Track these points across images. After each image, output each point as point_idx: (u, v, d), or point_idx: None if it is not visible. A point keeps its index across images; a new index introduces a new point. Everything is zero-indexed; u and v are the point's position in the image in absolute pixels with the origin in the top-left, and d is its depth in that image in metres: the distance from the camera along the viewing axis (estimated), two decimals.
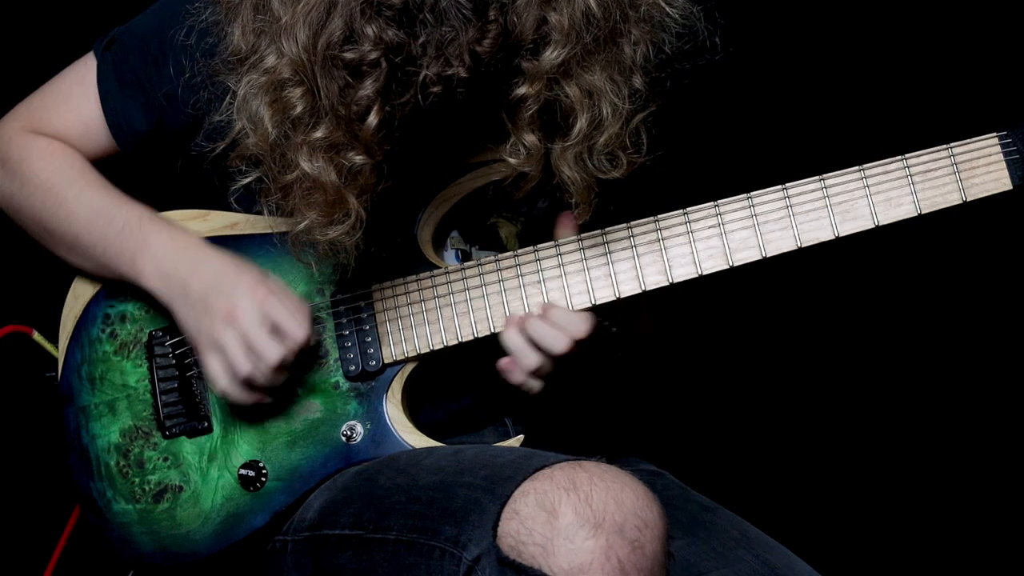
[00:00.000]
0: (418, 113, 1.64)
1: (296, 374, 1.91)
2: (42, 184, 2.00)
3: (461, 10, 1.57)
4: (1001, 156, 1.77)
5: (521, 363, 1.82)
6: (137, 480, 1.98)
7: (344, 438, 1.93)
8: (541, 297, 1.87)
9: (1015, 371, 2.96)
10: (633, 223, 1.86)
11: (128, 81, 1.98)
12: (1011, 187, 1.77)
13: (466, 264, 1.92)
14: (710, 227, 1.84)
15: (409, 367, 1.94)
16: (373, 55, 1.58)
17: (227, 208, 1.94)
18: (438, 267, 1.94)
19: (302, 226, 1.74)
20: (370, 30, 1.58)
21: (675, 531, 1.70)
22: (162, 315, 2.02)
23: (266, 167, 1.73)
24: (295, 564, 1.88)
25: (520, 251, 1.90)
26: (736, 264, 1.83)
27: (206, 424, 1.97)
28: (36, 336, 2.10)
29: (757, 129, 2.89)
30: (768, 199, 1.82)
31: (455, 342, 1.90)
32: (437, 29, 1.58)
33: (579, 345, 1.81)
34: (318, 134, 1.66)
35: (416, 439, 1.91)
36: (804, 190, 1.82)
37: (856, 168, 1.81)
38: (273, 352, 1.83)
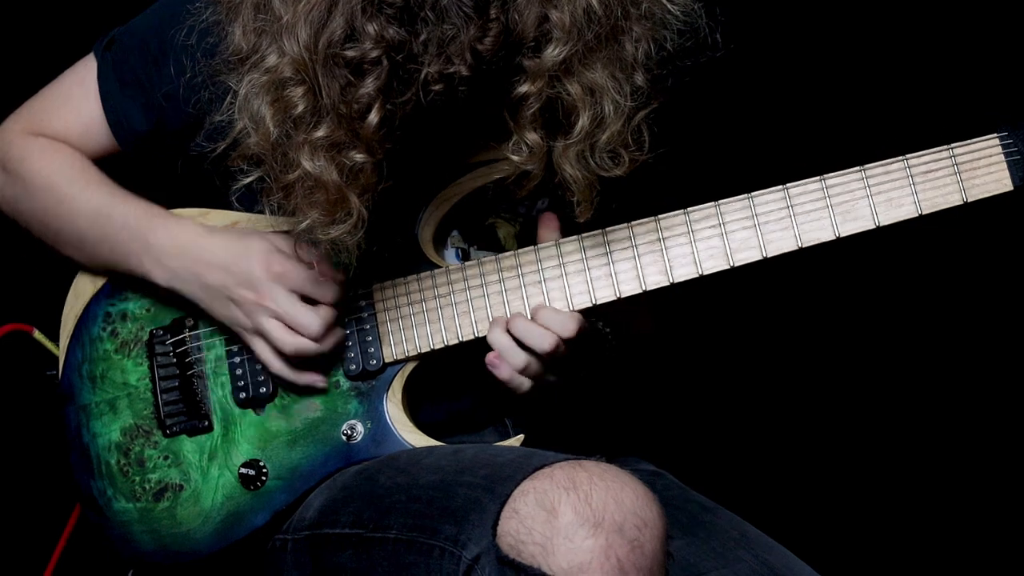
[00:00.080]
0: (419, 111, 1.64)
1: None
2: (43, 184, 2.01)
3: (462, 8, 1.57)
4: (1002, 157, 1.76)
5: (508, 360, 1.82)
6: (137, 479, 1.98)
7: (344, 437, 1.93)
8: (542, 297, 1.87)
9: (1015, 371, 2.95)
10: (634, 223, 1.86)
11: (128, 81, 1.98)
12: (1012, 188, 1.76)
13: (467, 263, 1.92)
14: (711, 227, 1.84)
15: (410, 366, 1.94)
16: (374, 53, 1.58)
17: (228, 207, 1.94)
18: (439, 266, 1.94)
19: (304, 225, 1.74)
20: (371, 28, 1.58)
21: (674, 531, 1.70)
22: (163, 314, 2.02)
23: (267, 166, 1.73)
24: (295, 563, 1.88)
25: (521, 250, 1.90)
26: (737, 264, 1.83)
27: (207, 423, 1.97)
28: (37, 334, 2.10)
29: (758, 126, 2.89)
30: (769, 199, 1.82)
31: (456, 341, 1.90)
32: (438, 27, 1.57)
33: (568, 345, 1.81)
34: (319, 133, 1.66)
35: (416, 438, 1.91)
36: (805, 190, 1.81)
37: (857, 168, 1.80)
38: (313, 321, 1.85)
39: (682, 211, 1.85)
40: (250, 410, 1.97)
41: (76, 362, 2.04)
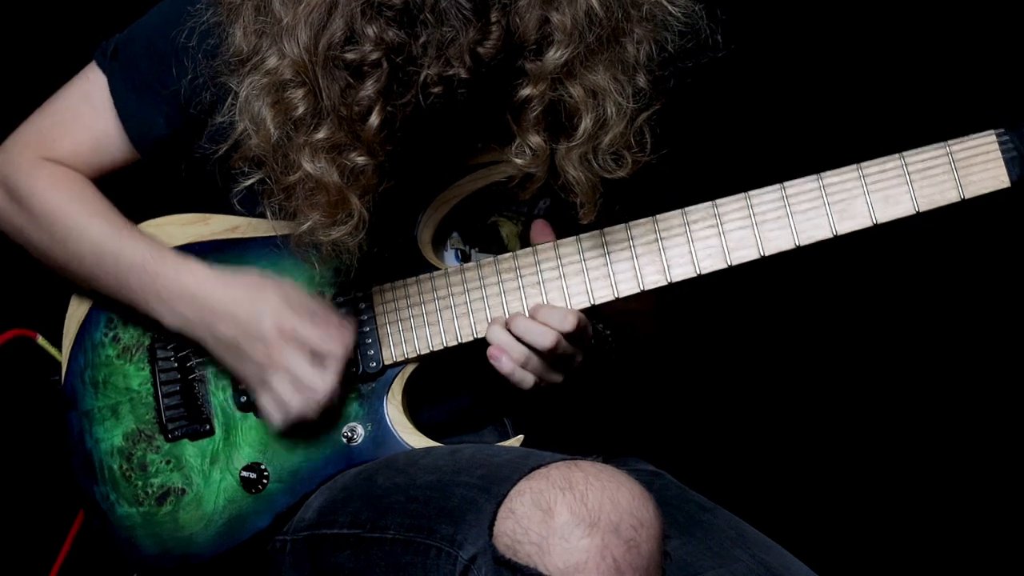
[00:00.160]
0: (419, 114, 1.65)
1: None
2: (50, 217, 1.99)
3: (461, 11, 1.57)
4: (999, 153, 1.76)
5: (509, 353, 1.82)
6: (140, 483, 1.98)
7: (345, 439, 1.93)
8: (540, 298, 1.87)
9: (1015, 371, 2.94)
10: (631, 223, 1.86)
11: (141, 87, 1.96)
12: (1009, 184, 1.76)
13: (465, 266, 1.92)
14: (708, 227, 1.84)
15: (409, 368, 1.94)
16: (374, 56, 1.59)
17: (229, 210, 1.94)
18: (438, 268, 1.94)
19: (305, 227, 1.74)
20: (371, 31, 1.58)
21: (672, 531, 1.70)
22: None
23: (268, 168, 1.74)
24: (293, 563, 1.88)
25: (519, 252, 1.90)
26: (734, 263, 1.83)
27: (208, 427, 1.98)
28: (40, 340, 2.10)
29: (759, 126, 2.89)
30: (766, 198, 1.82)
31: (455, 343, 1.90)
32: (438, 29, 1.58)
33: (569, 340, 1.81)
34: (320, 135, 1.67)
35: (417, 440, 1.91)
36: (802, 189, 1.81)
37: (854, 166, 1.80)
38: (319, 383, 1.84)
39: (679, 211, 1.85)
40: (251, 413, 1.97)
41: (78, 368, 2.05)
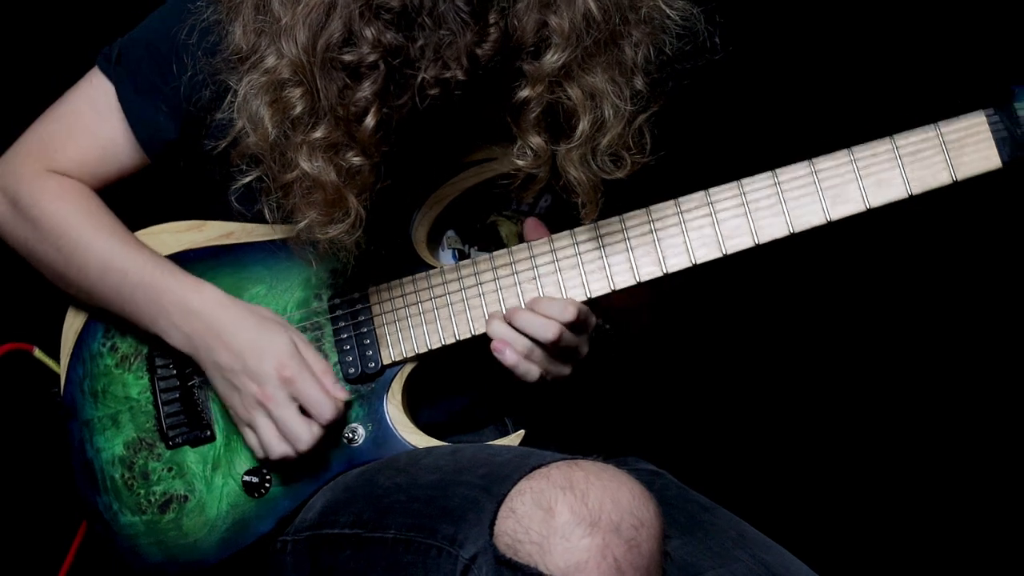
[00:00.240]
0: (416, 115, 1.65)
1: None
2: (55, 231, 1.98)
3: (460, 14, 1.58)
4: (989, 134, 1.76)
5: (513, 345, 1.82)
6: (142, 491, 1.98)
7: (346, 440, 1.93)
8: (537, 293, 1.87)
9: (1015, 368, 2.94)
10: (625, 215, 1.86)
11: (147, 91, 1.96)
12: (1000, 164, 1.76)
13: (461, 263, 1.93)
14: (702, 216, 1.84)
15: (408, 367, 1.94)
16: (371, 57, 1.59)
17: (224, 212, 1.94)
18: (433, 267, 1.94)
19: (302, 225, 1.75)
20: (369, 32, 1.59)
21: (673, 531, 1.70)
22: None
23: (266, 166, 1.74)
24: (294, 564, 1.88)
25: (514, 248, 1.90)
26: (729, 252, 1.83)
27: (209, 433, 1.98)
28: (37, 353, 2.10)
29: (758, 127, 2.88)
30: (758, 185, 1.82)
31: (452, 341, 1.90)
32: (435, 32, 1.58)
33: (571, 330, 1.81)
34: (317, 134, 1.67)
35: (418, 439, 1.91)
36: (794, 175, 1.81)
37: (845, 151, 1.80)
38: (305, 436, 1.85)
39: (672, 201, 1.85)
40: None
41: (77, 378, 2.05)
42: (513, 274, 1.89)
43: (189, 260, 1.99)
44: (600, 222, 1.86)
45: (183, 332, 1.91)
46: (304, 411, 1.86)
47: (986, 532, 2.95)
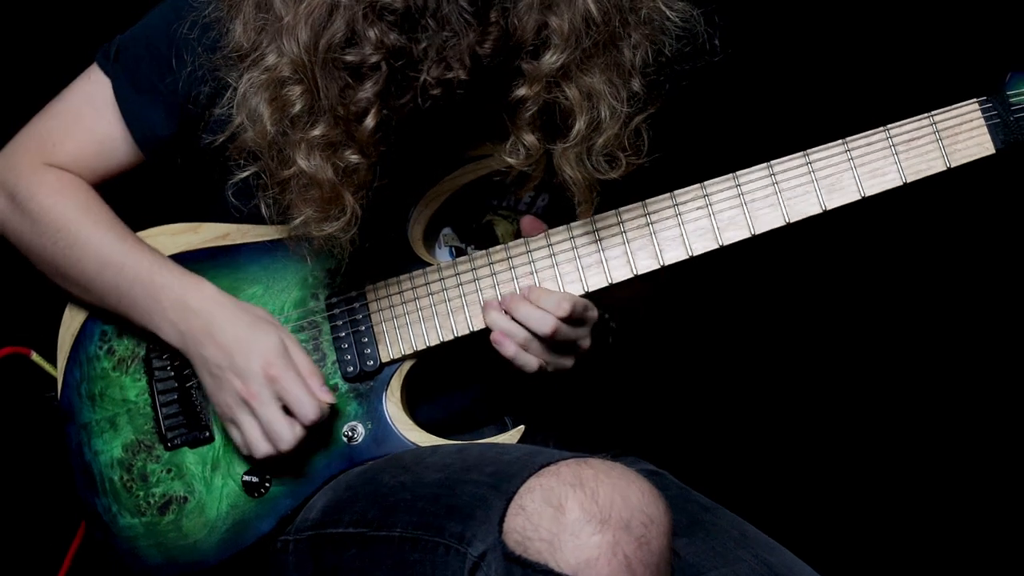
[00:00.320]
0: (416, 115, 1.65)
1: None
2: (52, 225, 1.98)
3: (463, 14, 1.58)
4: (983, 121, 1.77)
5: (511, 335, 1.82)
6: (141, 494, 1.98)
7: (345, 439, 1.93)
8: None
9: (1015, 367, 2.94)
10: (621, 209, 1.86)
11: (145, 88, 1.95)
12: (994, 151, 1.77)
13: (458, 259, 1.93)
14: (698, 208, 1.84)
15: (407, 365, 1.94)
16: (374, 58, 1.59)
17: (220, 211, 1.94)
18: (429, 264, 1.94)
19: (298, 222, 1.74)
20: (372, 33, 1.59)
21: (674, 531, 1.69)
22: None
23: (264, 162, 1.74)
24: (296, 564, 1.88)
25: (511, 243, 1.90)
26: (726, 243, 1.83)
27: (207, 433, 1.97)
28: (34, 357, 2.10)
29: (753, 122, 2.89)
30: (754, 177, 1.83)
31: (451, 337, 1.90)
32: (439, 33, 1.58)
33: (569, 324, 1.81)
34: (316, 132, 1.67)
35: (418, 436, 1.91)
36: (789, 166, 1.82)
37: (840, 141, 1.81)
38: (287, 436, 1.84)
39: (668, 194, 1.85)
40: None
41: (75, 381, 2.04)
42: (510, 269, 1.89)
43: (186, 262, 1.98)
44: (596, 216, 1.86)
45: (178, 329, 1.91)
46: (289, 411, 1.86)
47: (986, 532, 2.96)
